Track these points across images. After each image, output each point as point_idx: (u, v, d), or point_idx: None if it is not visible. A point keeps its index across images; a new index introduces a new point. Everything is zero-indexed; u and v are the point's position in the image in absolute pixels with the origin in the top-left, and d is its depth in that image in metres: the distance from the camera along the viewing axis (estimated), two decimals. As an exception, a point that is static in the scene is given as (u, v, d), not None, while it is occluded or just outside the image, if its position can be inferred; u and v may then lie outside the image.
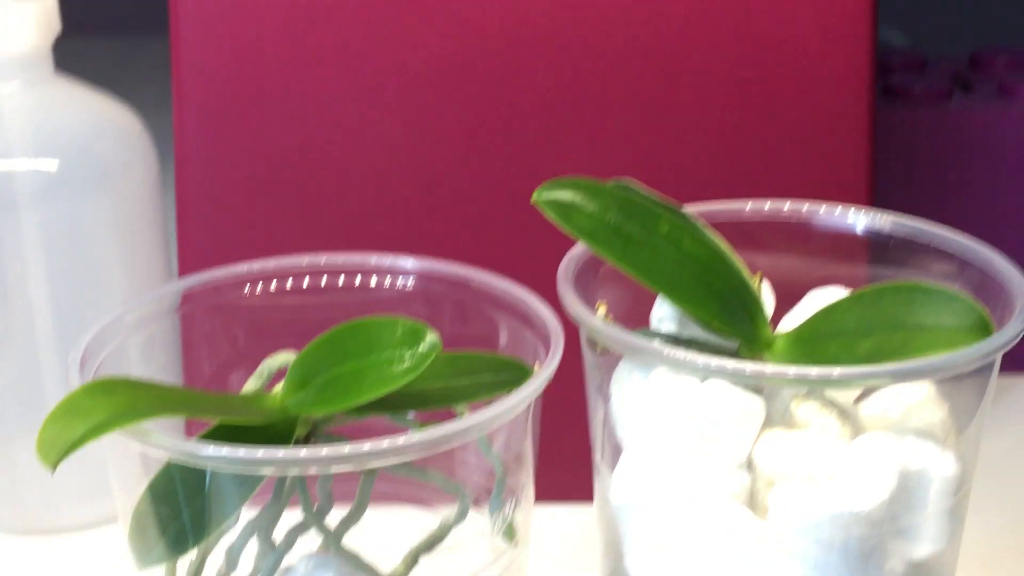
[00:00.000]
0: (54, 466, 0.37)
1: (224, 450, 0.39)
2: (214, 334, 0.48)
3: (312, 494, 0.44)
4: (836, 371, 0.37)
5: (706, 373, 0.38)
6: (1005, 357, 0.70)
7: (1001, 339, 0.38)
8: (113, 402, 0.39)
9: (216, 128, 0.57)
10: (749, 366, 0.38)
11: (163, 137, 0.62)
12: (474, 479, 0.45)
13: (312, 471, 0.41)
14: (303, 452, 0.39)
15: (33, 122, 0.58)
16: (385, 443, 0.39)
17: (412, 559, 0.46)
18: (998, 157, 0.69)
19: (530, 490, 0.46)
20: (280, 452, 0.39)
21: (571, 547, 0.59)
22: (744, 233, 0.43)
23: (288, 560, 0.45)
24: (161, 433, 0.39)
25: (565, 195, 0.40)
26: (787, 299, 0.44)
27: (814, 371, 0.37)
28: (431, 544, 0.46)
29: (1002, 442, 0.66)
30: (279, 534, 0.44)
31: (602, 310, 0.41)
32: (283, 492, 0.44)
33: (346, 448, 0.38)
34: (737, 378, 0.39)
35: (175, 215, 0.58)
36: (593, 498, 0.44)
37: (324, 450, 0.38)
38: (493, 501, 0.45)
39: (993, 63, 0.74)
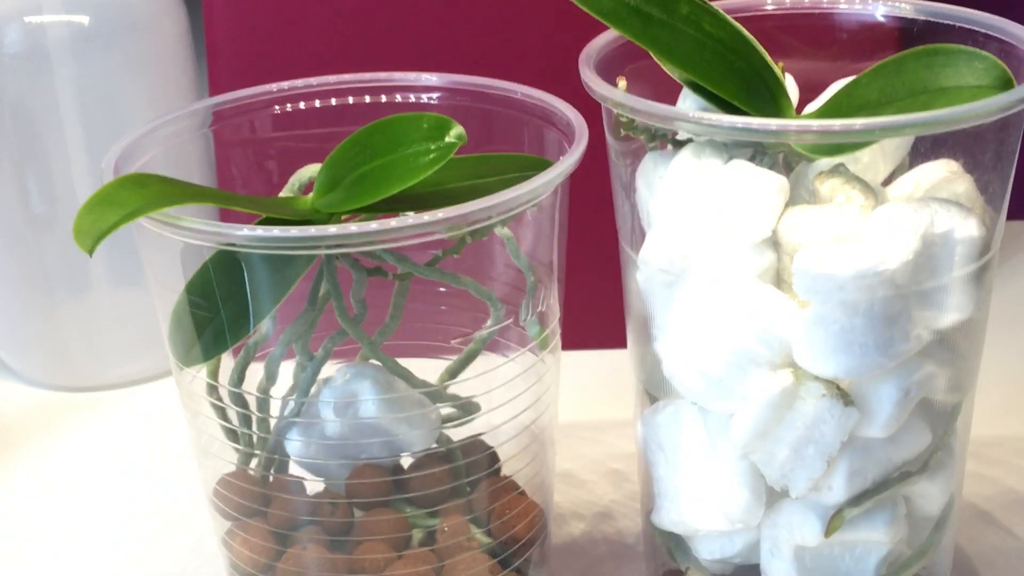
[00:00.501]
0: (91, 251, 0.38)
1: (258, 230, 0.39)
2: (245, 151, 0.48)
3: (348, 303, 0.45)
4: (858, 123, 0.37)
5: (731, 133, 0.38)
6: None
7: (1022, 92, 0.38)
8: (146, 193, 0.39)
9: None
10: (775, 122, 0.38)
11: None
12: (505, 289, 0.46)
13: (343, 249, 0.41)
14: (333, 229, 0.39)
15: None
16: (411, 219, 0.39)
17: (450, 374, 0.47)
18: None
19: (558, 301, 0.46)
20: (312, 229, 0.39)
21: (602, 389, 0.60)
22: (765, 32, 0.43)
23: (327, 373, 0.46)
24: (193, 218, 0.39)
25: (584, -24, 0.40)
26: (812, 94, 0.44)
27: (837, 123, 0.37)
28: (468, 360, 0.47)
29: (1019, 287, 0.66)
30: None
31: (622, 83, 0.41)
32: (317, 299, 0.45)
33: (374, 224, 0.39)
34: (764, 136, 0.38)
35: (206, 67, 0.59)
36: (625, 342, 0.44)
37: (353, 227, 0.39)
38: (525, 307, 0.45)
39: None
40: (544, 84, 0.46)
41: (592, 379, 0.61)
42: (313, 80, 0.48)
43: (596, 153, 0.45)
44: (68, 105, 0.59)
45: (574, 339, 0.59)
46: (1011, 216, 0.69)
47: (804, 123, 0.39)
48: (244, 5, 0.58)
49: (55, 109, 0.59)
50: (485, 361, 0.46)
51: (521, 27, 0.56)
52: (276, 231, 0.39)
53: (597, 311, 0.58)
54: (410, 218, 0.39)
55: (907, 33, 0.44)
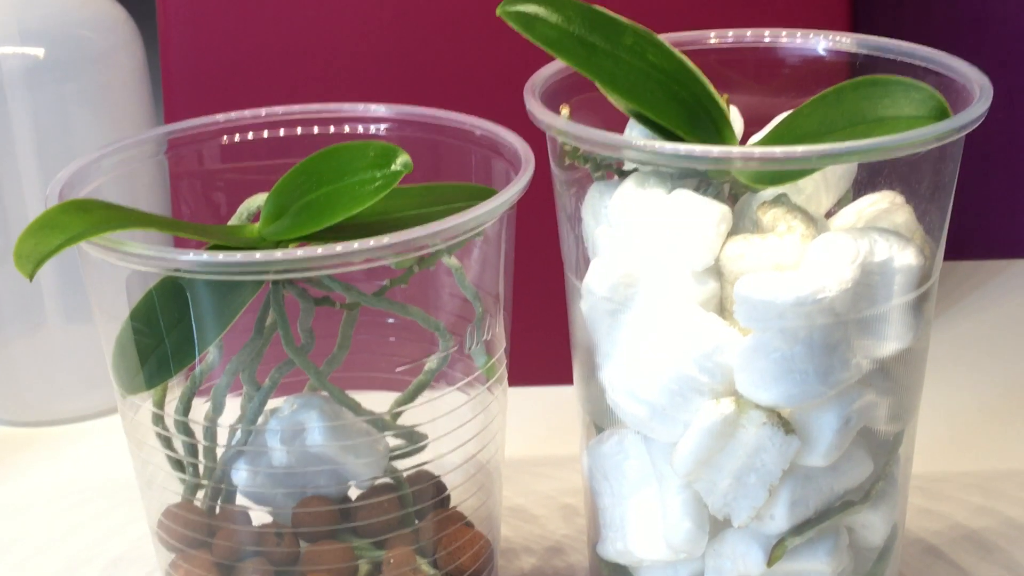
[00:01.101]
0: (31, 275, 0.38)
1: (204, 255, 0.39)
2: (193, 181, 0.48)
3: (295, 333, 0.45)
4: (799, 150, 0.37)
5: (674, 160, 0.39)
6: (987, 242, 0.72)
7: (959, 121, 0.38)
8: (88, 218, 0.39)
9: (197, 10, 0.58)
10: (717, 149, 0.38)
11: (149, 22, 0.63)
12: (452, 319, 0.46)
13: (289, 275, 0.41)
14: (279, 254, 0.39)
15: (19, 11, 0.60)
16: (356, 244, 0.39)
17: (399, 405, 0.47)
18: (980, 33, 0.69)
19: (505, 331, 0.46)
20: (258, 255, 0.39)
21: (555, 424, 0.60)
22: (709, 66, 0.44)
23: (274, 404, 0.46)
24: (137, 243, 0.39)
25: (529, 7, 0.41)
26: (757, 127, 0.45)
27: (778, 151, 0.38)
28: (416, 392, 0.47)
29: (981, 322, 0.67)
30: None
31: (566, 111, 0.41)
32: (264, 328, 0.45)
33: (319, 249, 0.39)
34: (707, 163, 0.39)
35: (162, 97, 0.59)
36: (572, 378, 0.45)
37: (299, 251, 0.39)
38: (471, 336, 0.46)
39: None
40: (492, 115, 0.47)
41: (545, 414, 0.61)
42: (262, 111, 0.48)
43: (544, 185, 0.45)
44: (22, 137, 0.59)
45: (526, 375, 0.59)
46: (957, 256, 0.72)
47: (746, 151, 0.40)
48: (200, 39, 0.58)
49: (9, 141, 0.59)
50: (432, 391, 0.46)
51: (469, 58, 0.57)
52: (221, 256, 0.39)
53: (545, 347, 0.59)
54: (355, 244, 0.39)
55: (849, 67, 0.45)
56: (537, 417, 0.61)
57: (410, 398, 0.47)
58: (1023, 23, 0.69)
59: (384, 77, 0.57)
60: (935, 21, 0.69)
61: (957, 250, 0.72)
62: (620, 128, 0.44)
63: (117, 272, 0.42)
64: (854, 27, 0.59)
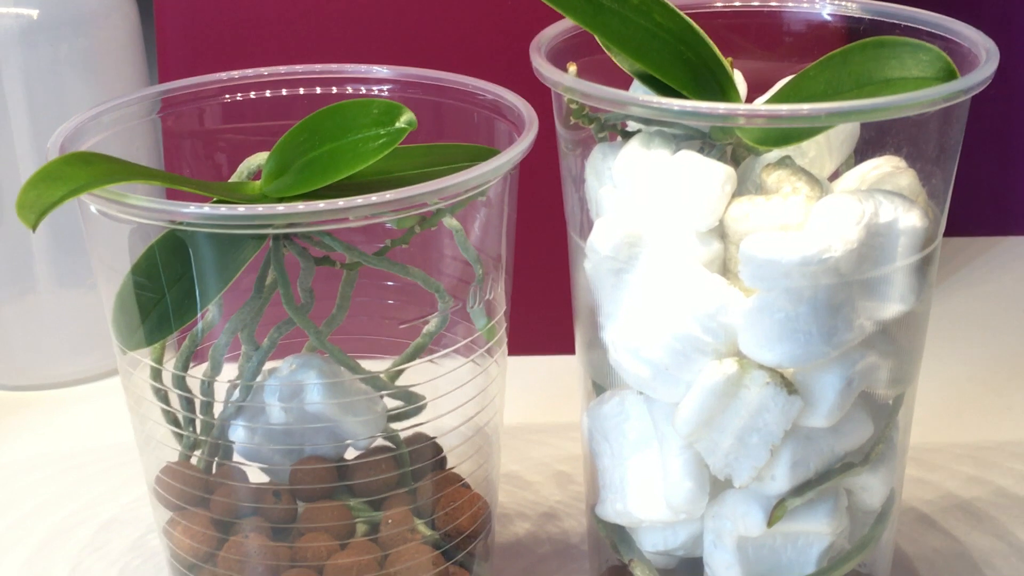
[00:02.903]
0: (34, 225, 0.38)
1: (206, 208, 0.39)
2: (194, 139, 0.48)
3: (295, 292, 0.45)
4: (805, 107, 0.37)
5: (680, 116, 0.39)
6: (978, 218, 0.72)
7: (967, 82, 0.38)
8: (91, 170, 0.39)
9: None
10: (723, 106, 0.38)
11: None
12: (452, 282, 0.46)
13: (289, 229, 0.41)
14: (281, 208, 0.39)
15: (14, -29, 0.59)
16: (359, 200, 0.39)
17: (397, 368, 0.47)
18: (975, 13, 0.69)
19: (506, 293, 0.46)
20: (260, 208, 0.39)
21: (549, 393, 0.60)
22: (714, 30, 0.43)
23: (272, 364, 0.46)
24: (140, 195, 0.39)
25: (536, -35, 0.40)
26: (760, 92, 0.45)
27: (784, 108, 0.38)
28: (415, 353, 0.47)
29: (971, 297, 0.68)
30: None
31: (573, 69, 0.41)
32: (264, 287, 0.45)
33: (321, 204, 0.39)
34: (712, 119, 0.39)
35: (156, 61, 0.59)
36: (572, 348, 0.45)
37: (300, 205, 0.39)
38: (472, 296, 0.45)
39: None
40: (495, 76, 0.46)
41: (540, 383, 0.61)
42: (264, 70, 0.48)
43: (546, 148, 0.45)
44: (15, 97, 0.59)
45: (522, 344, 0.59)
46: (956, 231, 0.72)
47: (753, 108, 0.40)
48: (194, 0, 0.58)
49: (1, 101, 0.59)
50: (432, 353, 0.46)
51: (473, 18, 0.57)
52: (224, 209, 0.39)
53: (546, 315, 0.59)
54: (358, 199, 0.39)
55: (853, 32, 0.45)
56: (532, 385, 0.61)
57: (408, 359, 0.47)
58: (1019, 2, 0.70)
59: (386, 38, 0.57)
60: (925, 3, 0.69)
61: (948, 226, 0.73)
62: (624, 89, 0.44)
63: (119, 227, 0.41)
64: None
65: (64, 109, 0.59)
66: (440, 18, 0.57)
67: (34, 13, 0.59)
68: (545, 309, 0.58)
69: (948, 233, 0.71)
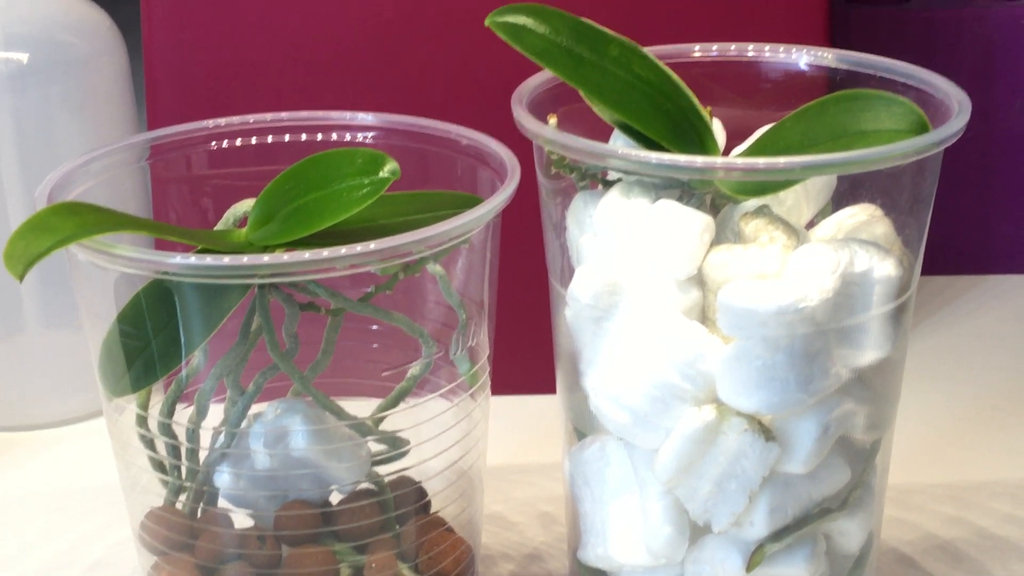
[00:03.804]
0: (21, 276, 0.38)
1: (191, 258, 0.39)
2: (180, 186, 0.49)
3: (280, 338, 0.45)
4: (781, 161, 0.38)
5: (659, 170, 0.39)
6: (959, 257, 0.73)
7: (938, 135, 0.39)
8: (79, 220, 0.40)
9: (181, 17, 0.58)
10: (701, 159, 0.39)
11: (132, 30, 0.63)
12: (436, 327, 0.46)
13: (274, 279, 0.41)
14: (266, 258, 0.39)
15: (3, 16, 0.60)
16: (343, 250, 0.40)
17: (382, 411, 0.47)
18: (956, 55, 0.70)
19: (488, 338, 0.47)
20: (245, 258, 0.39)
21: (533, 433, 0.61)
22: (693, 79, 0.44)
23: (258, 408, 0.46)
24: (126, 246, 0.40)
25: (518, 18, 0.41)
26: (739, 140, 0.45)
27: (761, 162, 0.38)
28: (399, 398, 0.47)
29: (952, 336, 0.68)
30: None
31: (553, 120, 0.42)
32: (249, 333, 0.45)
33: (307, 254, 0.39)
34: (691, 172, 0.39)
35: (145, 103, 0.60)
36: (555, 387, 0.45)
37: (285, 256, 0.39)
38: (455, 343, 0.46)
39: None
40: (479, 125, 0.47)
41: (524, 423, 0.62)
42: (250, 117, 0.48)
43: (529, 194, 0.46)
44: (5, 141, 0.60)
45: (506, 384, 0.60)
46: (938, 271, 0.73)
47: (729, 161, 0.40)
48: (183, 45, 0.59)
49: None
50: (415, 397, 0.47)
51: (456, 67, 0.57)
52: (209, 259, 0.39)
53: (528, 356, 0.59)
54: (342, 249, 0.40)
55: (831, 81, 0.46)
56: (516, 425, 0.61)
57: (393, 404, 0.47)
58: (996, 39, 0.70)
59: (371, 86, 0.57)
60: (910, 37, 0.70)
61: (930, 265, 0.73)
62: (605, 139, 0.45)
63: (105, 275, 0.42)
64: (831, 42, 0.59)
65: (54, 152, 0.60)
66: (424, 65, 0.57)
67: (24, 57, 0.59)
68: (531, 349, 0.59)
69: (930, 272, 0.73)
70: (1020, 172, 0.72)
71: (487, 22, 0.41)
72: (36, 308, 0.63)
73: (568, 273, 0.43)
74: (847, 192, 0.43)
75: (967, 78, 0.70)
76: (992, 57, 0.70)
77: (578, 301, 0.41)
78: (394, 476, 0.47)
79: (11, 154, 0.60)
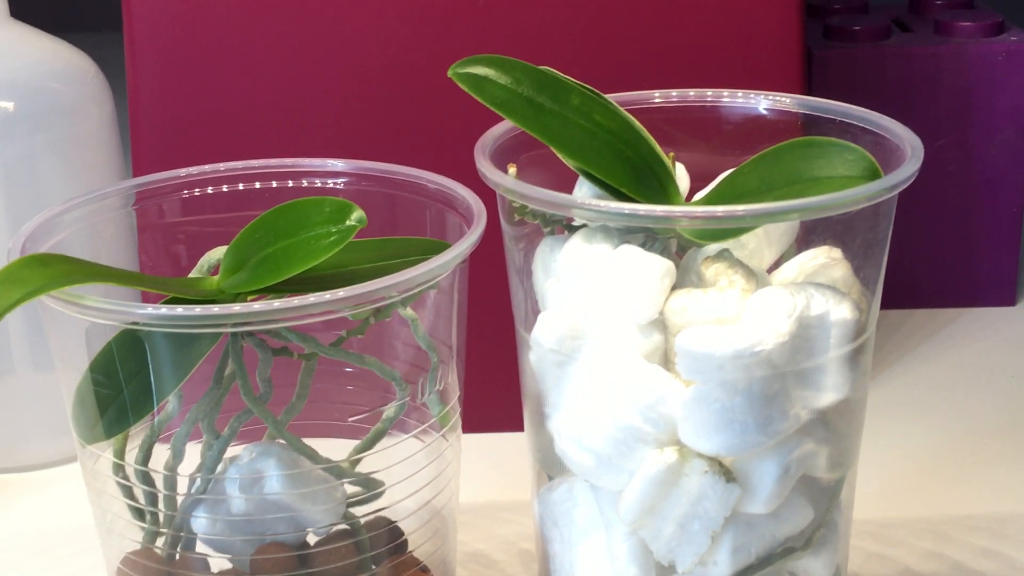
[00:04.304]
0: (-8, 328, 0.39)
1: (162, 309, 0.40)
2: (154, 234, 0.50)
3: (253, 382, 0.46)
4: (740, 208, 0.39)
5: (620, 219, 0.40)
6: (941, 291, 0.73)
7: (889, 180, 0.40)
8: (48, 272, 0.40)
9: (165, 68, 0.59)
10: (661, 208, 0.40)
11: (118, 75, 0.64)
12: (406, 368, 0.47)
13: (247, 327, 0.42)
14: (236, 307, 0.40)
15: (-10, 65, 0.61)
16: (312, 298, 0.40)
17: (357, 453, 0.48)
18: (935, 92, 0.71)
19: (458, 380, 0.47)
20: (215, 308, 0.40)
21: (514, 470, 0.61)
22: (654, 124, 0.45)
23: (233, 452, 0.47)
24: (96, 296, 0.40)
25: (479, 69, 0.42)
26: (703, 183, 0.46)
27: (720, 210, 0.39)
28: (374, 440, 0.48)
29: (935, 369, 0.69)
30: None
31: (513, 170, 0.43)
32: (223, 378, 0.46)
33: (276, 303, 0.40)
34: (650, 221, 0.40)
35: (130, 148, 0.61)
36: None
37: (256, 305, 0.40)
38: (427, 385, 0.47)
39: (930, 5, 0.76)
40: (447, 170, 0.48)
41: (504, 460, 0.62)
42: (221, 166, 0.49)
43: (497, 238, 0.46)
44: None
45: (483, 422, 0.60)
46: (922, 304, 0.73)
47: (688, 209, 0.41)
48: (167, 93, 0.60)
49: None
50: (388, 438, 0.47)
51: (425, 115, 0.58)
52: (180, 310, 0.40)
53: (503, 394, 0.60)
54: (311, 297, 0.40)
55: (791, 125, 0.46)
56: (495, 463, 0.62)
57: (368, 446, 0.48)
58: (975, 76, 0.71)
59: (343, 134, 0.58)
60: (889, 75, 0.71)
61: (912, 299, 0.74)
62: (571, 183, 0.45)
63: (77, 324, 0.43)
64: (808, 83, 0.60)
65: (40, 199, 0.61)
66: (394, 114, 0.58)
67: (10, 105, 0.60)
68: (500, 387, 0.59)
69: (913, 305, 0.73)
70: (1001, 206, 0.73)
71: (450, 73, 0.42)
72: (24, 351, 0.63)
73: (532, 317, 0.44)
74: (810, 234, 0.44)
75: (946, 115, 0.71)
76: (971, 94, 0.71)
77: (541, 345, 0.42)
78: (369, 517, 0.47)
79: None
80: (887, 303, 0.73)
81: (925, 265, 0.74)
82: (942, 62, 0.71)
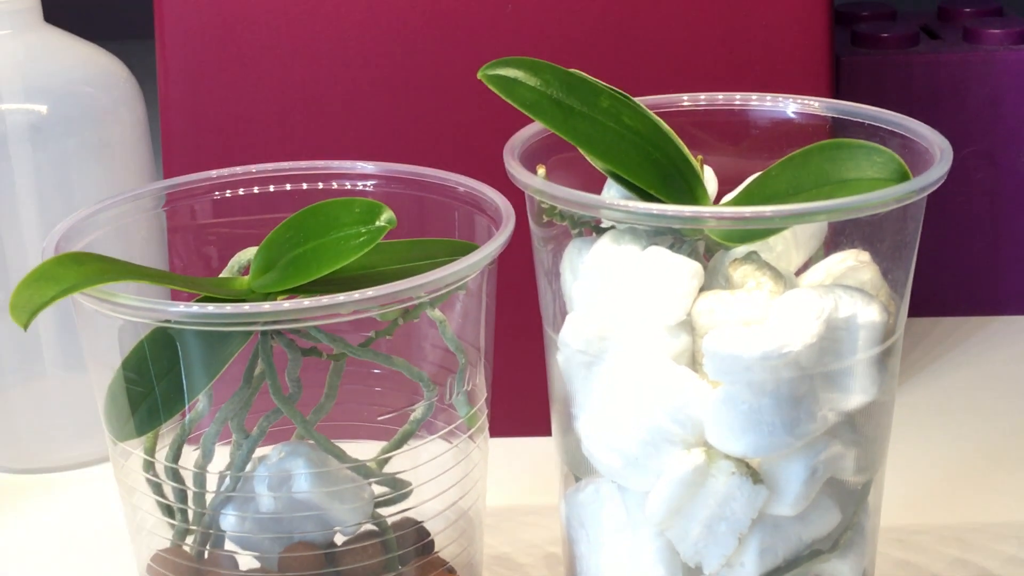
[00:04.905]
0: (25, 325, 0.39)
1: (193, 307, 0.41)
2: (186, 235, 0.50)
3: (283, 382, 0.46)
4: (768, 210, 0.39)
5: (648, 219, 0.40)
6: (970, 299, 0.73)
7: (918, 183, 0.40)
8: (82, 270, 0.41)
9: (195, 73, 0.60)
10: (689, 209, 0.40)
11: (150, 80, 0.64)
12: (433, 370, 0.47)
13: (275, 326, 0.42)
14: (266, 306, 0.41)
15: (23, 69, 0.61)
16: (341, 297, 0.41)
17: (385, 454, 0.48)
18: (963, 99, 0.71)
19: (486, 381, 0.48)
20: (246, 306, 0.41)
21: (541, 474, 0.61)
22: (683, 127, 0.45)
23: (262, 451, 0.47)
24: (128, 294, 0.41)
25: (509, 71, 0.42)
26: (731, 186, 0.46)
27: (748, 211, 0.39)
28: (402, 441, 0.48)
29: (963, 377, 0.69)
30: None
31: (542, 171, 0.43)
32: (252, 378, 0.46)
33: (306, 301, 0.40)
34: (678, 222, 0.40)
35: (161, 152, 0.61)
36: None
37: (286, 303, 0.40)
38: (456, 385, 0.47)
39: (959, 13, 0.76)
40: (476, 172, 0.48)
41: (530, 464, 0.62)
42: (252, 167, 0.49)
43: (526, 240, 0.47)
44: (25, 191, 0.61)
45: (510, 427, 0.61)
46: (948, 312, 0.73)
47: (717, 210, 0.41)
48: (198, 96, 0.60)
49: (12, 195, 0.61)
50: (415, 439, 0.48)
51: (455, 117, 0.59)
52: (211, 307, 0.41)
53: (531, 399, 0.60)
54: (340, 296, 0.41)
55: (819, 129, 0.46)
56: (523, 467, 0.62)
57: (396, 446, 0.48)
58: (1003, 84, 0.71)
59: (373, 136, 0.59)
60: (917, 82, 0.71)
61: (940, 307, 0.74)
62: (599, 186, 0.46)
63: (109, 322, 0.43)
64: (836, 89, 0.60)
65: (73, 202, 0.61)
66: (423, 116, 0.59)
67: (43, 108, 0.61)
68: (535, 392, 0.60)
69: (940, 314, 0.73)
70: (1029, 213, 0.73)
71: (479, 75, 0.42)
72: (55, 353, 0.64)
73: (560, 319, 0.44)
74: (839, 236, 0.44)
75: (974, 123, 0.71)
76: (999, 101, 0.71)
77: (569, 347, 0.42)
78: (396, 517, 0.47)
79: (31, 204, 0.61)
80: (914, 311, 0.73)
81: (952, 273, 0.74)
82: (970, 69, 0.71)
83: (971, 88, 0.71)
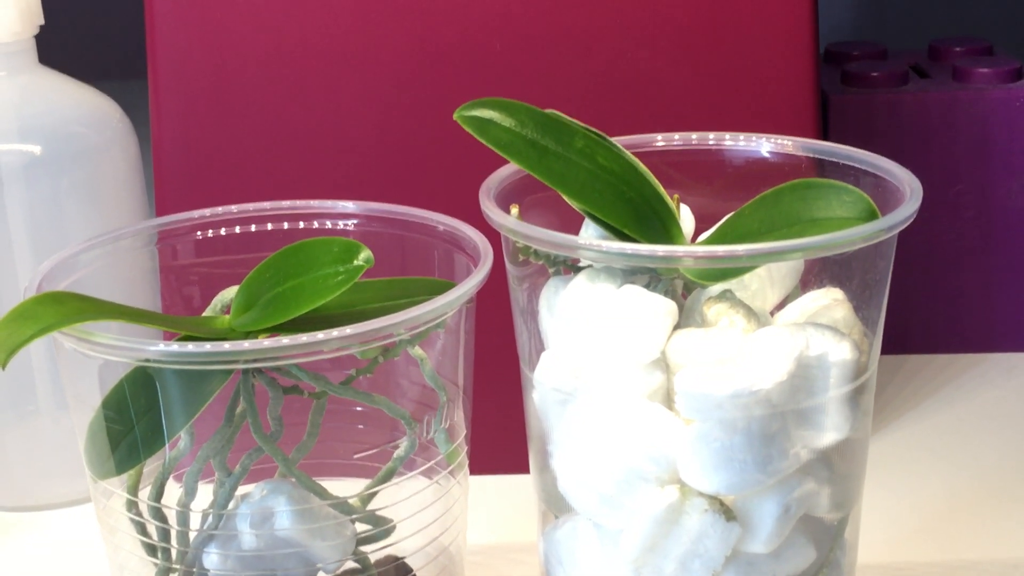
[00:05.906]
0: (3, 364, 0.40)
1: (173, 346, 0.41)
2: (169, 274, 0.50)
3: (264, 420, 0.47)
4: (741, 248, 0.39)
5: (621, 259, 0.41)
6: (961, 336, 0.73)
7: (887, 222, 0.40)
8: (61, 309, 0.41)
9: (187, 114, 0.60)
10: (662, 248, 0.40)
11: (143, 120, 0.65)
12: (412, 407, 0.47)
13: (256, 364, 0.43)
14: (246, 344, 0.41)
15: (18, 109, 0.62)
16: (320, 335, 0.41)
17: (369, 494, 0.48)
18: (953, 137, 0.71)
19: (465, 418, 0.48)
20: (226, 345, 0.41)
21: (527, 511, 0.61)
22: (658, 167, 0.46)
23: (244, 489, 0.48)
24: (107, 334, 0.41)
25: (483, 112, 0.43)
26: (708, 224, 0.47)
27: (720, 249, 0.39)
28: (386, 478, 0.48)
29: (954, 414, 0.69)
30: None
31: (515, 211, 0.43)
32: (234, 416, 0.46)
33: (286, 339, 0.41)
34: (652, 261, 0.41)
35: (154, 192, 0.62)
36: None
37: (266, 341, 0.41)
38: (434, 422, 0.47)
39: (950, 52, 0.77)
40: (455, 211, 0.49)
41: (513, 502, 0.62)
42: (233, 207, 0.50)
43: (505, 278, 0.47)
44: (18, 229, 0.62)
45: (494, 463, 0.61)
46: (941, 349, 0.73)
47: (689, 249, 0.42)
48: (190, 136, 0.61)
49: (6, 233, 0.62)
50: (396, 476, 0.48)
51: (434, 157, 0.59)
52: (190, 346, 0.41)
53: (516, 436, 0.60)
54: (320, 333, 0.41)
55: (793, 167, 0.47)
56: (504, 505, 0.62)
57: (380, 483, 0.48)
58: (992, 121, 0.71)
59: (356, 176, 0.59)
60: (906, 120, 0.71)
61: (932, 343, 0.74)
62: (577, 225, 0.46)
63: (89, 361, 0.43)
64: (824, 128, 0.61)
65: (66, 241, 0.62)
66: (403, 156, 0.59)
67: (37, 149, 0.62)
68: (514, 429, 0.60)
69: (933, 351, 0.73)
70: (1020, 251, 0.73)
71: (455, 116, 0.43)
72: (48, 390, 0.64)
73: (536, 357, 0.44)
74: (814, 275, 0.44)
75: (964, 160, 0.72)
76: (989, 139, 0.71)
77: (543, 384, 0.43)
78: (379, 554, 0.48)
79: (24, 244, 0.62)
80: (905, 348, 0.73)
81: (944, 310, 0.74)
82: (960, 108, 0.71)
83: (961, 126, 0.71)
